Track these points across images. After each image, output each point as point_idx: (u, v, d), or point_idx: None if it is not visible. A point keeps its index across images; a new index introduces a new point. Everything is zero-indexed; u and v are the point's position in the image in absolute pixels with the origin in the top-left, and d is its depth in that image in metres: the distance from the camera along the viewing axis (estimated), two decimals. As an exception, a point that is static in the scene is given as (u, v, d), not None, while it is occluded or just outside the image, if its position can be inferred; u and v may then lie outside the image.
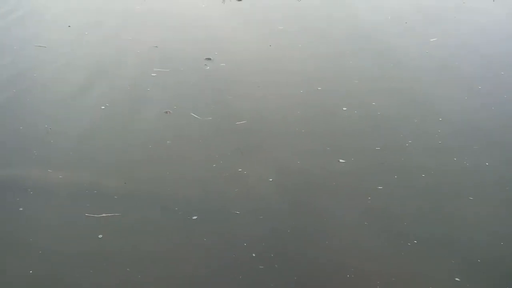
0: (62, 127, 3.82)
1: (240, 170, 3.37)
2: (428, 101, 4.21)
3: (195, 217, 2.91)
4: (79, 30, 5.49)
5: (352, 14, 6.14)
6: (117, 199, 3.04)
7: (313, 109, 4.09)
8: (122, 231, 2.82)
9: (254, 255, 2.65)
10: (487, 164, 3.42)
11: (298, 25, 5.73)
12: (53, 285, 2.46)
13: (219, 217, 2.95)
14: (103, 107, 4.09)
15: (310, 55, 4.99)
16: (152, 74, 4.61)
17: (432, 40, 5.37)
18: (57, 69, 4.74)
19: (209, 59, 4.81)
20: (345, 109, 4.05)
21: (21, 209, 2.94)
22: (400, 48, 5.23)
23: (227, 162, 3.47)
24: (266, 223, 2.90)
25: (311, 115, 4.02)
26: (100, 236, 2.73)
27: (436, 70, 4.77)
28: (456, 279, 2.50)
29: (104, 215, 2.90)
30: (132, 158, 3.52)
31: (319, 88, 4.38)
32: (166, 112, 4.05)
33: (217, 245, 2.75)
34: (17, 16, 5.78)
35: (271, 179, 3.28)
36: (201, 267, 2.61)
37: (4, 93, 4.23)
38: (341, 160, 3.46)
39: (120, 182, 3.21)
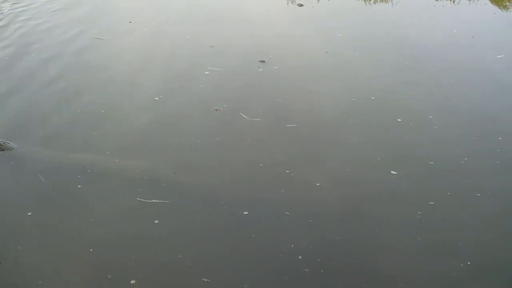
0: (119, 115, 3.96)
1: (287, 171, 3.34)
2: (489, 119, 4.02)
3: (246, 213, 2.93)
4: (139, 25, 5.63)
5: (414, 28, 5.98)
6: (166, 187, 3.11)
7: (366, 118, 3.99)
8: (171, 219, 2.88)
9: (300, 257, 2.60)
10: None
11: (357, 34, 5.63)
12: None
13: (269, 215, 2.94)
14: (156, 98, 4.18)
15: (366, 64, 4.89)
16: (206, 72, 4.65)
17: (499, 56, 5.13)
18: (114, 60, 4.88)
19: (262, 61, 4.81)
20: (399, 120, 3.93)
21: (79, 186, 3.10)
22: (462, 63, 5.04)
23: (274, 162, 3.45)
24: (315, 228, 2.85)
25: (364, 124, 3.92)
26: (148, 219, 2.81)
27: (499, 89, 4.55)
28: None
29: (154, 201, 2.98)
30: (182, 150, 3.58)
31: (372, 98, 4.28)
32: (217, 110, 4.08)
33: (265, 242, 2.73)
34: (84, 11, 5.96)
35: (318, 184, 3.23)
36: (248, 263, 2.60)
37: (63, 80, 4.41)
38: (393, 172, 3.35)
39: (170, 171, 3.28)
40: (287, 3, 6.56)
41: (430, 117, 3.97)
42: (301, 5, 6.49)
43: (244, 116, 4.00)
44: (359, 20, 6.14)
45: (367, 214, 3.00)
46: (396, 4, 6.62)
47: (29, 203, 2.95)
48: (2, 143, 3.34)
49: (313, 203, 3.07)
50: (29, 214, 2.88)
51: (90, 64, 4.75)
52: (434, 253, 2.70)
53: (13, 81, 4.33)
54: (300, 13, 6.33)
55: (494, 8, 6.59)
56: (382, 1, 6.77)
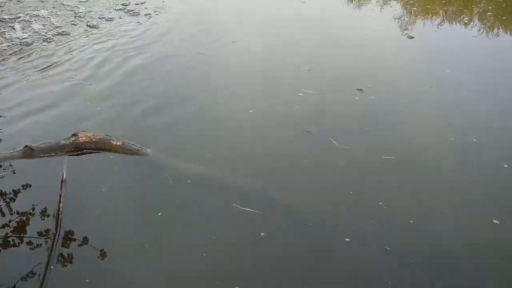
0: (214, 124, 4.16)
1: (380, 203, 3.20)
2: None
3: (347, 239, 2.91)
4: (241, 43, 5.77)
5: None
6: (256, 199, 3.23)
7: (468, 160, 3.73)
8: (260, 230, 2.96)
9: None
10: None
11: (468, 70, 5.32)
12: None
13: (372, 247, 2.90)
14: (251, 111, 4.30)
15: (473, 104, 4.61)
16: (299, 94, 4.64)
17: None
18: (214, 75, 5.04)
19: (360, 89, 4.70)
20: (506, 166, 3.63)
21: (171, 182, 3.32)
22: None
23: (365, 192, 3.35)
24: (412, 266, 2.75)
25: (465, 166, 3.67)
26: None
27: None
28: None
29: (247, 209, 3.08)
30: (272, 166, 3.64)
31: (474, 140, 4.00)
32: (308, 131, 4.05)
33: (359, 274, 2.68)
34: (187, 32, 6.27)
35: (411, 221, 3.06)
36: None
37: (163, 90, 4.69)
38: (495, 221, 3.08)
39: (259, 184, 3.37)
40: (399, 32, 6.44)
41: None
42: (412, 37, 6.31)
43: (334, 142, 3.92)
44: (470, 56, 5.84)
45: (465, 266, 2.81)
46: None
47: (159, 205, 3.19)
48: (139, 148, 3.62)
49: (408, 240, 2.94)
50: (159, 214, 3.09)
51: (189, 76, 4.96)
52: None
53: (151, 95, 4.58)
54: (408, 42, 6.16)
55: None
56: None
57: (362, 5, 7.47)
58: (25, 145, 3.51)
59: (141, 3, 6.90)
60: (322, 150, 3.88)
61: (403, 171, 3.60)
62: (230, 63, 5.32)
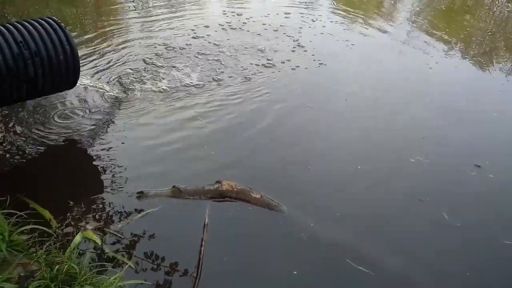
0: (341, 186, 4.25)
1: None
2: None
3: None
4: (356, 102, 5.83)
5: None
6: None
7: None
8: None
9: None
10: None
11: None
12: None
13: None
14: (359, 167, 4.43)
15: None
16: (411, 160, 4.60)
17: None
18: (329, 133, 5.14)
19: (478, 166, 4.56)
20: None
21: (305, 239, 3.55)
22: None
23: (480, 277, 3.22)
24: None
25: None
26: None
27: None
28: None
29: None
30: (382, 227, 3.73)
31: None
32: (420, 200, 4.05)
33: None
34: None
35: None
36: None
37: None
38: None
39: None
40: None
41: None
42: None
43: (446, 217, 3.85)
44: None
45: None
46: None
47: (294, 263, 3.32)
48: (276, 204, 3.79)
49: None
50: (295, 273, 3.23)
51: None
52: None
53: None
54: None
55: None
56: None
57: (492, 79, 7.12)
58: (173, 185, 3.79)
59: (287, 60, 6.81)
60: (432, 222, 3.85)
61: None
62: (342, 119, 5.40)
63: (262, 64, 6.39)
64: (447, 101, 6.04)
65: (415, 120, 5.45)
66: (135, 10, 8.30)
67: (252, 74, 6.06)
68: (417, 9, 10.61)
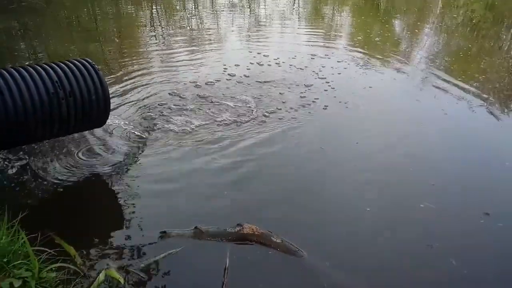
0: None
1: None
2: None
3: None
4: (367, 146, 5.97)
5: None
6: None
7: None
8: None
9: None
10: None
11: None
12: None
13: None
14: (368, 209, 4.53)
15: None
16: (421, 205, 4.68)
17: None
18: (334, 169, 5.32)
19: (487, 214, 4.63)
20: None
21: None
22: None
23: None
24: None
25: None
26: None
27: None
28: None
29: None
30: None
31: None
32: (429, 246, 4.13)
33: None
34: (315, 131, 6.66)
35: None
36: None
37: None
38: None
39: None
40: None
41: None
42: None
43: (454, 263, 3.91)
44: None
45: None
46: None
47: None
48: (296, 250, 3.83)
49: None
50: None
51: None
52: None
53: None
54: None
55: None
56: None
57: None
58: (195, 226, 3.89)
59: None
60: (441, 268, 3.89)
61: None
62: (353, 163, 5.52)
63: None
64: (462, 152, 6.05)
65: (425, 164, 5.57)
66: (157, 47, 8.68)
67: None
68: (436, 49, 10.87)
